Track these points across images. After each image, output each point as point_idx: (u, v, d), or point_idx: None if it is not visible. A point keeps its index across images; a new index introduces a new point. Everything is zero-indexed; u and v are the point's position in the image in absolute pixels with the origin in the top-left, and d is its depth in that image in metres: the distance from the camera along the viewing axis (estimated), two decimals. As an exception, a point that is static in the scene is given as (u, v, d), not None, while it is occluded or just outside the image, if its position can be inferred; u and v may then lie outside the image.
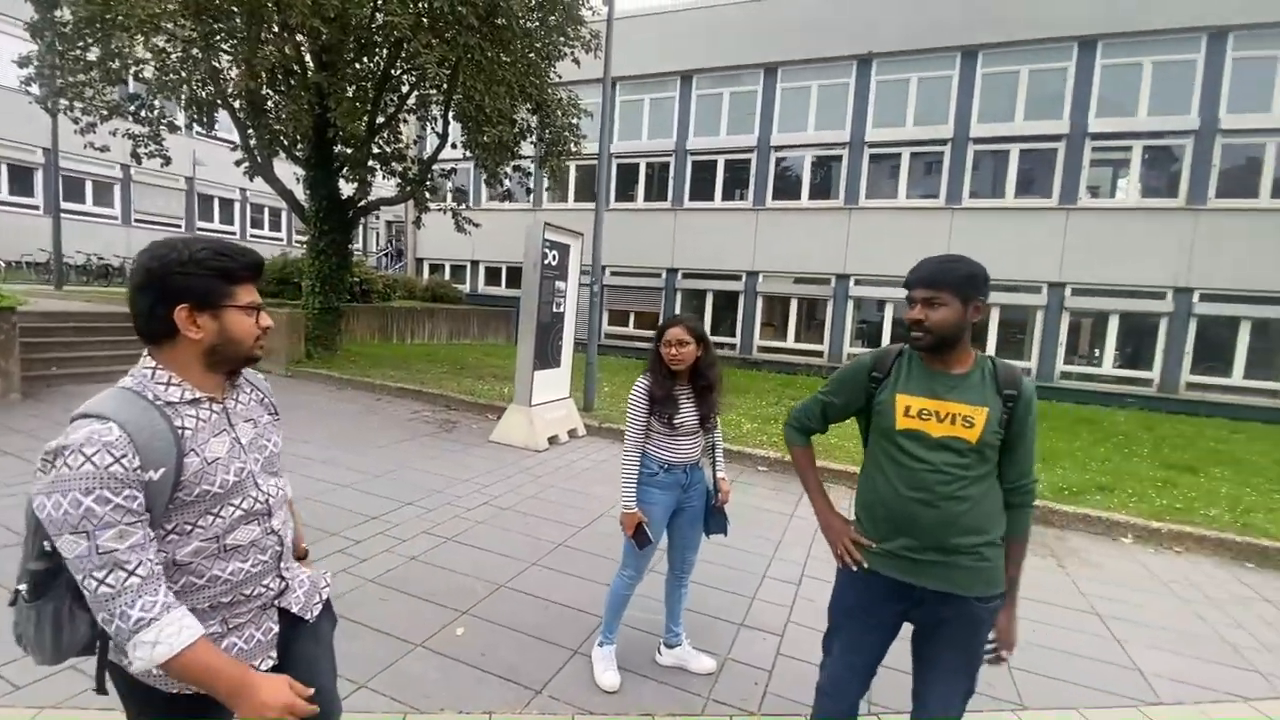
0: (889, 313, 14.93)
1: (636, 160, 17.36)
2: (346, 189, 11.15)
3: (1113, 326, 13.33)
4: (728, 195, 16.51)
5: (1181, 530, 4.91)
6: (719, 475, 2.81)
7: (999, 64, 13.69)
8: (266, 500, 1.28)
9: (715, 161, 16.44)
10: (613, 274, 17.54)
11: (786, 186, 15.94)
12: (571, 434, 7.03)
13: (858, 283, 15.05)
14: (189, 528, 1.14)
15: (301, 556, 1.51)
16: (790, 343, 15.90)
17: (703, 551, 4.06)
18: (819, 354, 15.49)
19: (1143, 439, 8.92)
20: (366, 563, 3.53)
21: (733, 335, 16.39)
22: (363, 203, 11.06)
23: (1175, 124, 12.58)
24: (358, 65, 10.02)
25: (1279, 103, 11.95)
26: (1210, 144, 12.39)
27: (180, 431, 1.12)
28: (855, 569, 1.76)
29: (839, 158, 15.21)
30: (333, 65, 8.61)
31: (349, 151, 9.98)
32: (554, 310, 6.84)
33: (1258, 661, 3.17)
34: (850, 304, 15.22)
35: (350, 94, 9.71)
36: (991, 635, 1.70)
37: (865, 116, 14.80)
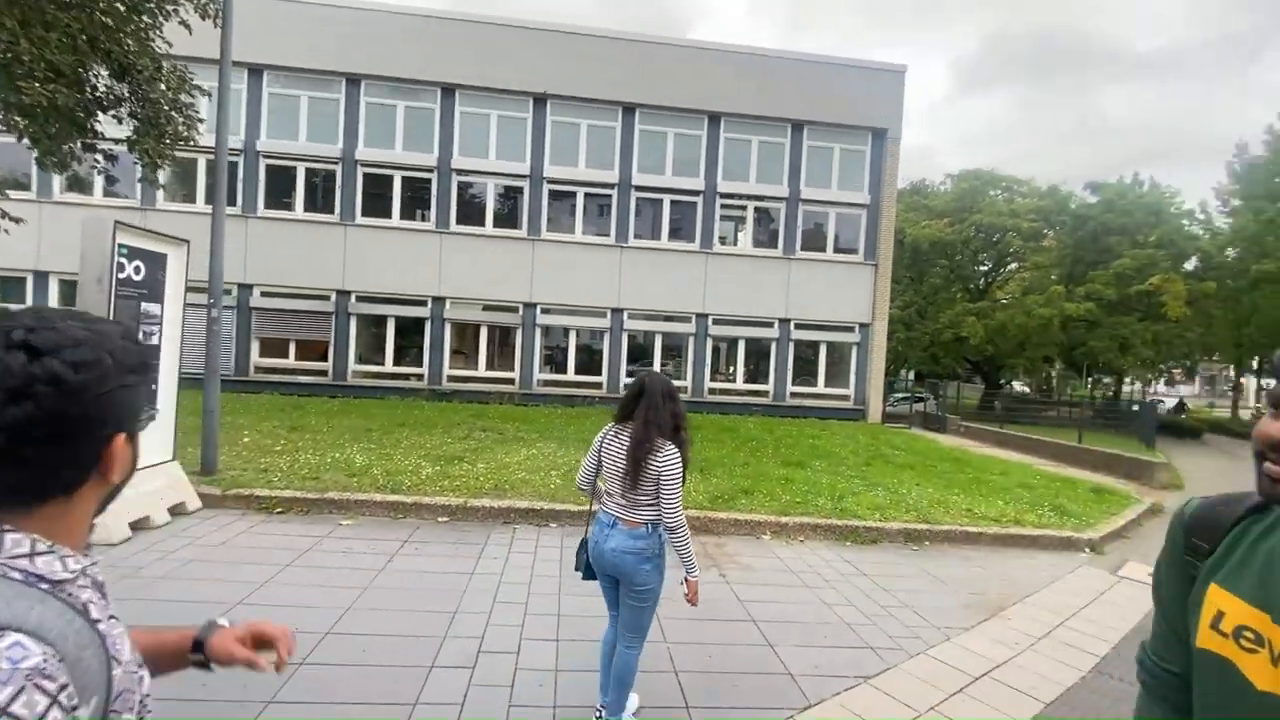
0: (573, 340, 15.69)
1: (293, 164, 14.84)
2: None
3: (741, 350, 16.38)
4: (408, 214, 15.27)
5: (802, 522, 5.91)
6: None
7: (652, 123, 15.69)
8: None
9: (391, 177, 15.08)
10: (265, 295, 14.59)
11: (471, 212, 15.50)
12: (177, 511, 5.21)
13: (544, 311, 15.40)
14: None
15: None
16: (482, 371, 15.38)
17: (351, 641, 3.20)
18: (510, 381, 15.33)
19: (766, 441, 10.90)
20: None
21: (419, 365, 15.12)
22: None
23: (774, 191, 16.16)
24: None
25: (835, 179, 16.38)
26: (796, 209, 16.25)
27: (96, 627, 0.70)
28: None
29: (521, 189, 15.45)
30: None
31: None
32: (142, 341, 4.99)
33: (866, 636, 3.82)
34: (539, 331, 15.47)
35: None
36: None
37: (543, 153, 15.37)
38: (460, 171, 15.20)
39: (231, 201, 14.24)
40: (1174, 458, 14.43)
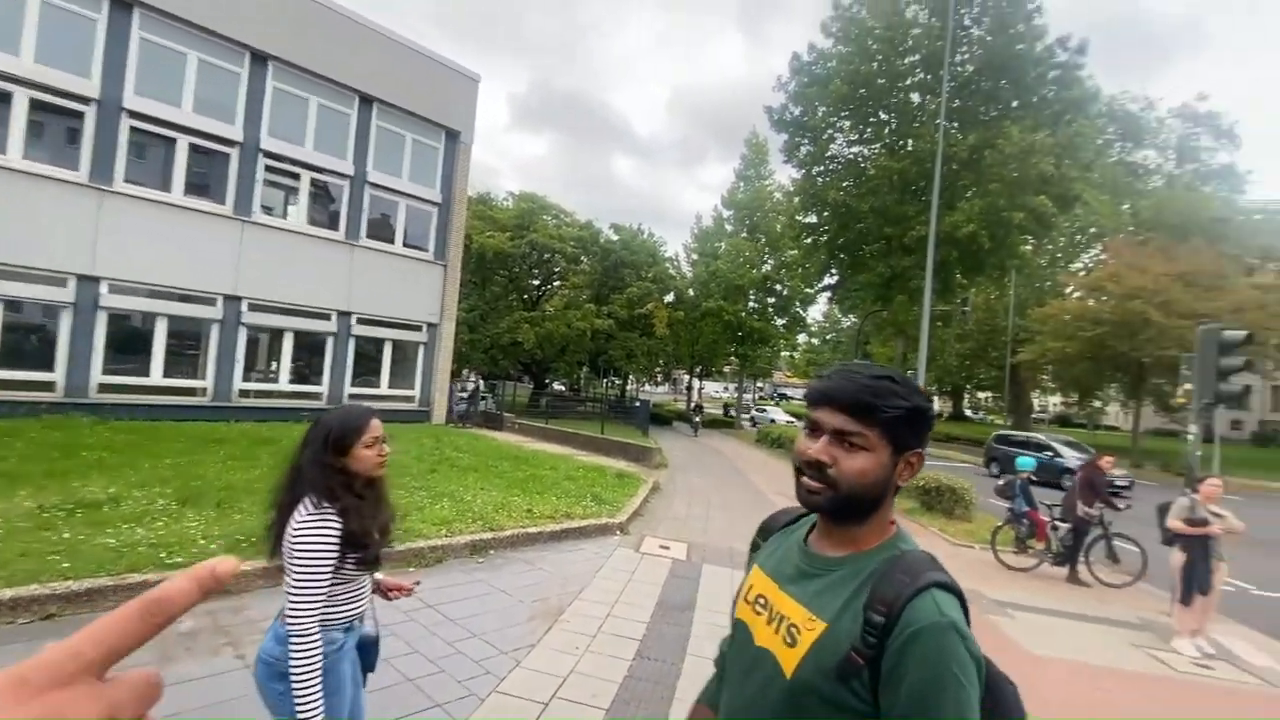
0: (161, 329, 10.87)
1: None
2: None
3: (288, 344, 13.79)
4: None
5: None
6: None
7: (161, 34, 11.72)
8: None
9: None
10: None
11: None
12: None
13: (113, 290, 10.03)
14: None
15: None
16: None
17: None
18: (50, 386, 9.28)
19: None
20: None
21: None
22: None
23: (337, 165, 14.25)
24: None
25: (407, 170, 15.51)
26: (362, 191, 14.71)
27: None
28: None
29: (78, 113, 9.74)
30: None
31: None
32: None
33: (434, 690, 3.37)
34: (103, 315, 9.93)
35: None
36: None
37: (123, 74, 10.24)
38: None
39: None
40: (658, 442, 18.95)
